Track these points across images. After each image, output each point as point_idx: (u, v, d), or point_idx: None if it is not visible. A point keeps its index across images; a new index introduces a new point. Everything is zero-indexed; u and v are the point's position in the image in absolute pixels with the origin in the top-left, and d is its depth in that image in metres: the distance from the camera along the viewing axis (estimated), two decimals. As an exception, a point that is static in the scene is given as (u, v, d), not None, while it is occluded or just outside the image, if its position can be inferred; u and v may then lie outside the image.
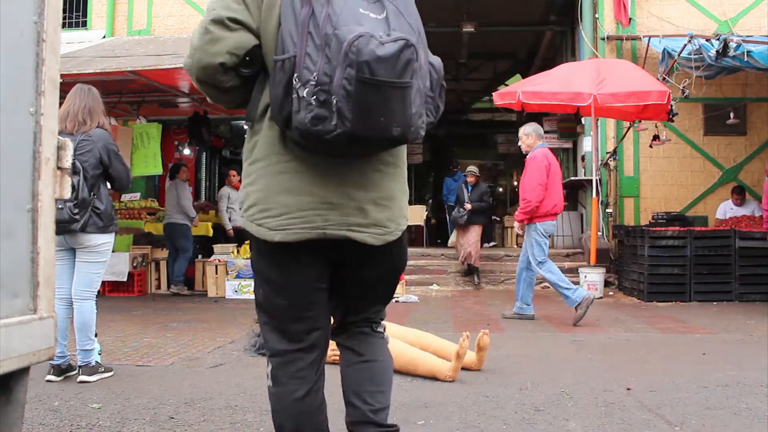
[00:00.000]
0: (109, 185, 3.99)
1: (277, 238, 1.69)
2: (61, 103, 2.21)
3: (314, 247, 1.72)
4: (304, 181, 1.68)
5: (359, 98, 1.51)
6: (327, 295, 1.85)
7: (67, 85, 5.77)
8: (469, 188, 9.60)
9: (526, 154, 6.28)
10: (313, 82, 1.52)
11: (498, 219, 14.79)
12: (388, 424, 1.89)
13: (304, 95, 1.53)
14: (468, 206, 9.23)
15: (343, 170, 1.71)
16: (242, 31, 1.66)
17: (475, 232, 9.25)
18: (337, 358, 4.13)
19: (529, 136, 6.30)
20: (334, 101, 1.51)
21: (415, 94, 1.60)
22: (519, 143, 6.44)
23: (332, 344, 4.21)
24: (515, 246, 13.66)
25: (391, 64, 1.51)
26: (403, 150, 1.87)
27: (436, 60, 1.80)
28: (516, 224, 6.37)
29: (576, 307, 5.83)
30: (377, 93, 1.52)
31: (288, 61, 1.58)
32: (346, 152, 1.66)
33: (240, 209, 1.81)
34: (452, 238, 10.24)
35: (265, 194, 1.71)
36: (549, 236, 6.20)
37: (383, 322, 2.05)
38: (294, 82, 1.56)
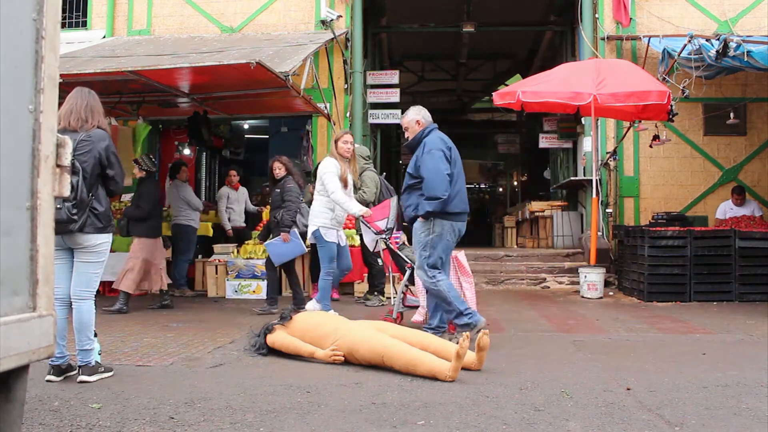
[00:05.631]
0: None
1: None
2: (60, 105, 2.21)
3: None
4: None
5: None
6: None
7: (67, 85, 5.77)
8: None
9: None
10: None
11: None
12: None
13: None
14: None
15: None
16: None
17: (139, 248, 7.06)
18: (337, 358, 4.13)
19: None
20: None
21: None
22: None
23: (332, 345, 4.20)
24: (515, 246, 13.68)
25: None
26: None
27: None
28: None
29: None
30: None
31: None
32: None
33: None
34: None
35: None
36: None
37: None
38: None
